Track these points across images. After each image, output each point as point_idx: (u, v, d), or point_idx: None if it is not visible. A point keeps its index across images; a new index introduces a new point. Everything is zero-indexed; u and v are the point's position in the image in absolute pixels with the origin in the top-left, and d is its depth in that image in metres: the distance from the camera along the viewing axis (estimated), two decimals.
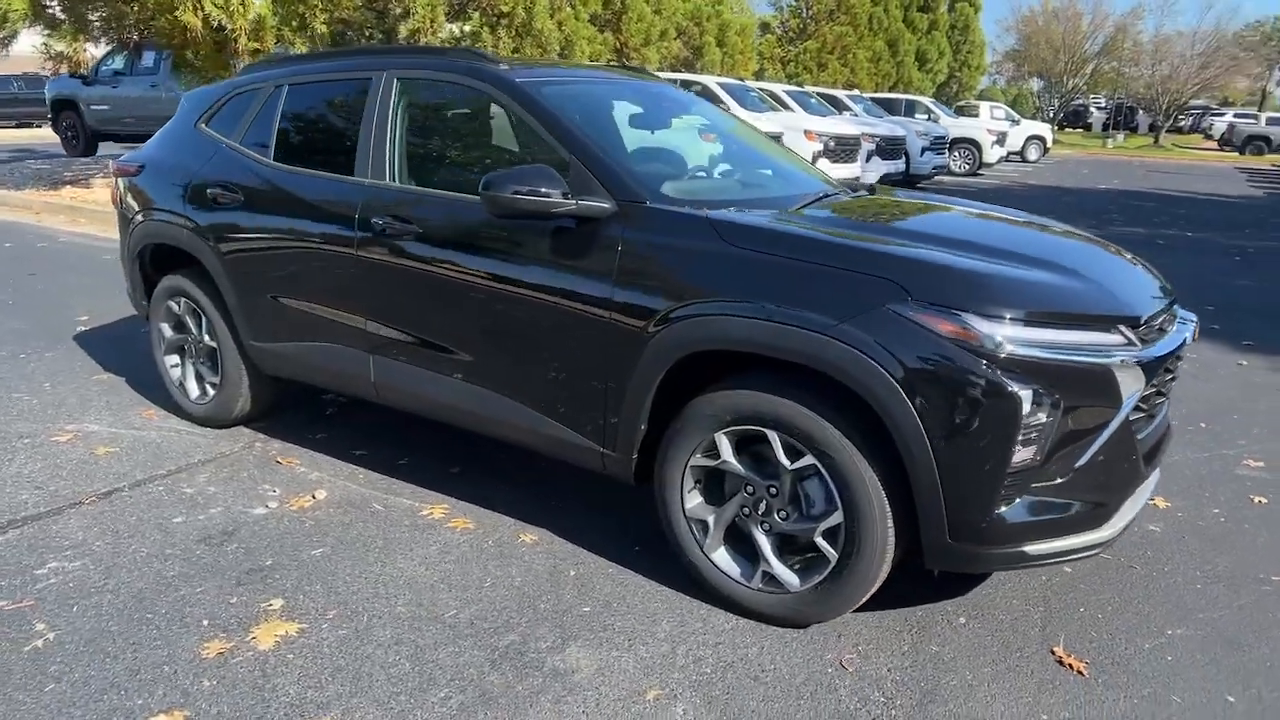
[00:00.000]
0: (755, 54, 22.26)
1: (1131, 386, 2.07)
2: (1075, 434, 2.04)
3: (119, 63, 14.27)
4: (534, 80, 2.85)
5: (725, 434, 2.30)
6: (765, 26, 28.66)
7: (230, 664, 2.17)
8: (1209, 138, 38.63)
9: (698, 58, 18.31)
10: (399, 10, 12.40)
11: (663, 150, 3.18)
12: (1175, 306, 2.45)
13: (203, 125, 3.63)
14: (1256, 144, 34.04)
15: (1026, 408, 1.95)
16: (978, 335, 1.96)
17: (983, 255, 2.23)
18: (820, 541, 2.21)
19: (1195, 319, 2.41)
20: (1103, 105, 48.63)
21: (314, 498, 3.12)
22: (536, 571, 2.64)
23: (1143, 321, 2.15)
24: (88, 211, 9.55)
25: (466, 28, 13.10)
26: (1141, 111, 44.21)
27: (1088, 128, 46.93)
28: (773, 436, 2.21)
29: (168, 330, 3.80)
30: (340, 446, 3.58)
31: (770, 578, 2.32)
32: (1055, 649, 2.26)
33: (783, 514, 2.28)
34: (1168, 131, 40.23)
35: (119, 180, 3.91)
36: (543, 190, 2.40)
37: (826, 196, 2.93)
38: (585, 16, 14.26)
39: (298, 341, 3.29)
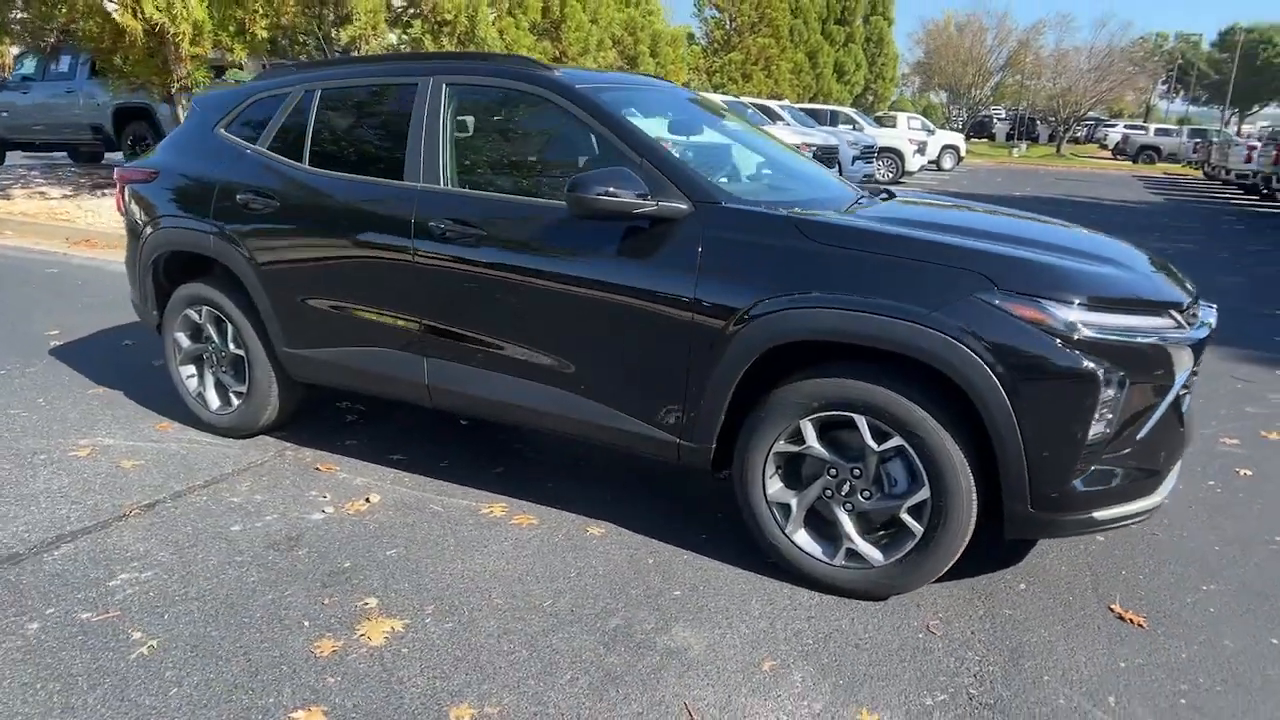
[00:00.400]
0: (685, 65, 22.70)
1: (1183, 365, 2.33)
2: (1138, 408, 2.28)
3: (29, 67, 13.54)
4: (592, 86, 2.96)
5: (810, 420, 2.46)
6: (690, 37, 29.22)
7: (348, 660, 2.20)
8: (1104, 147, 41.32)
9: (633, 68, 18.55)
10: (340, 15, 12.22)
11: (710, 153, 3.33)
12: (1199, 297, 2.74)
13: (222, 130, 3.59)
14: (1148, 153, 36.59)
15: (1102, 386, 2.18)
16: (1058, 320, 2.18)
17: (1046, 250, 2.46)
18: (906, 517, 2.40)
19: (1215, 307, 2.70)
20: (1003, 116, 51.36)
21: (368, 501, 3.13)
22: (616, 561, 2.73)
23: (1185, 307, 2.42)
24: (14, 224, 9.06)
25: (408, 34, 12.98)
26: (1040, 123, 46.95)
27: (992, 138, 49.39)
28: (860, 421, 2.38)
29: (184, 340, 3.72)
30: (375, 452, 3.58)
31: (854, 554, 2.49)
32: (1113, 606, 2.50)
33: (866, 494, 2.45)
34: (1066, 142, 42.82)
35: (126, 188, 3.81)
36: (627, 191, 2.52)
37: (863, 199, 3.13)
38: (525, 25, 14.32)
39: (340, 347, 3.29)
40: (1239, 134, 30.42)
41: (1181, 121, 56.38)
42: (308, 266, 3.28)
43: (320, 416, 3.96)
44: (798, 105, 22.17)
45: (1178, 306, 2.38)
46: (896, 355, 2.32)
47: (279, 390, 3.57)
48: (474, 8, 12.69)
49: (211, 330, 3.63)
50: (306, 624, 2.35)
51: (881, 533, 2.50)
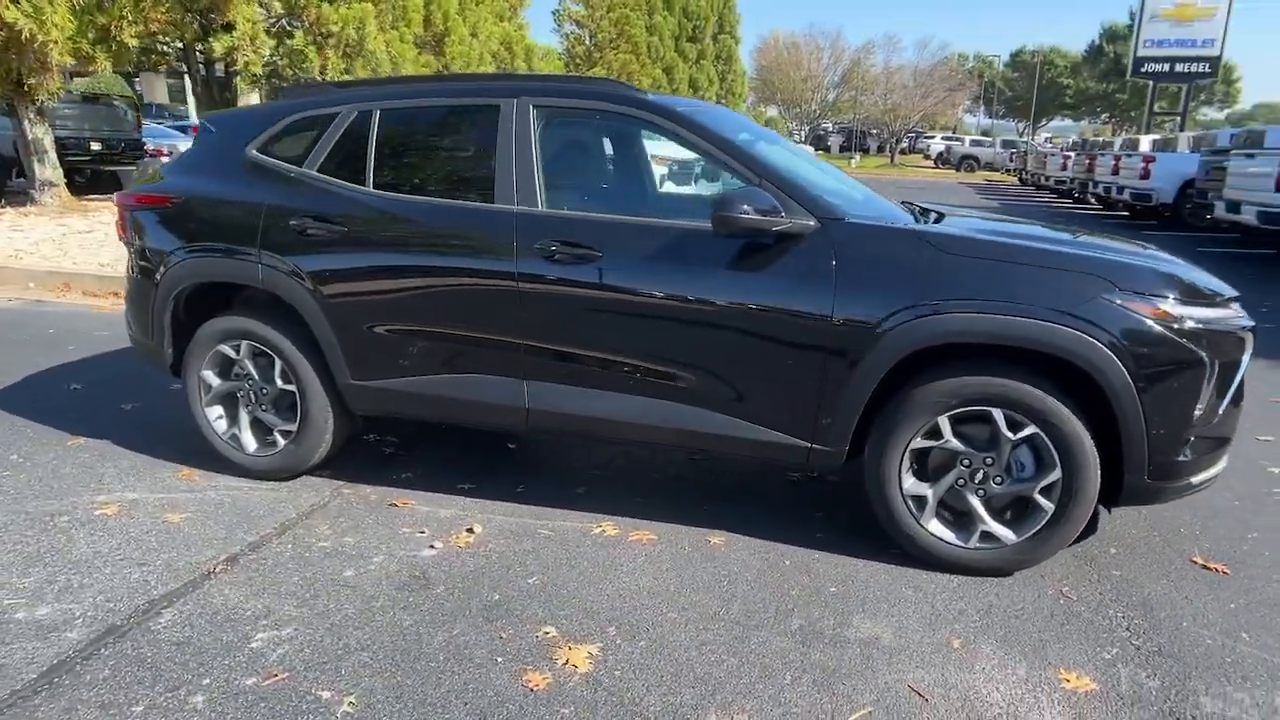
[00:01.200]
0: None
1: (1249, 347, 2.74)
2: (1223, 386, 2.65)
3: None
4: (691, 109, 3.05)
5: (947, 417, 2.67)
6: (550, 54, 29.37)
7: (568, 689, 2.17)
8: (927, 157, 45.21)
9: None
10: (209, 23, 11.47)
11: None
12: None
13: (254, 152, 3.37)
14: (969, 162, 40.35)
15: (1206, 368, 2.53)
16: (1169, 315, 2.52)
17: (1129, 255, 2.81)
18: (1038, 498, 2.66)
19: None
20: (833, 130, 55.08)
21: (471, 533, 3.04)
22: (754, 566, 2.83)
23: (1238, 299, 2.84)
24: None
25: (286, 46, 12.34)
26: (869, 135, 50.72)
27: (828, 149, 52.82)
28: (997, 414, 2.62)
29: (213, 379, 3.45)
30: (439, 483, 3.47)
31: (988, 535, 2.72)
32: (1194, 559, 2.88)
33: (998, 480, 2.69)
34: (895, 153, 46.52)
35: (132, 215, 3.49)
36: (765, 209, 2.64)
37: (924, 213, 3.38)
38: (410, 38, 13.96)
39: (420, 376, 3.18)
40: (1048, 143, 34.14)
41: (985, 134, 62.52)
42: (383, 294, 3.15)
43: (354, 452, 3.77)
44: None
45: (1236, 299, 2.79)
46: (1027, 352, 2.58)
47: (334, 426, 3.39)
48: (362, 20, 12.24)
49: (250, 367, 3.39)
50: (499, 660, 2.30)
51: (1006, 514, 2.75)
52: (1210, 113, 61.83)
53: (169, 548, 2.90)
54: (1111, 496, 2.67)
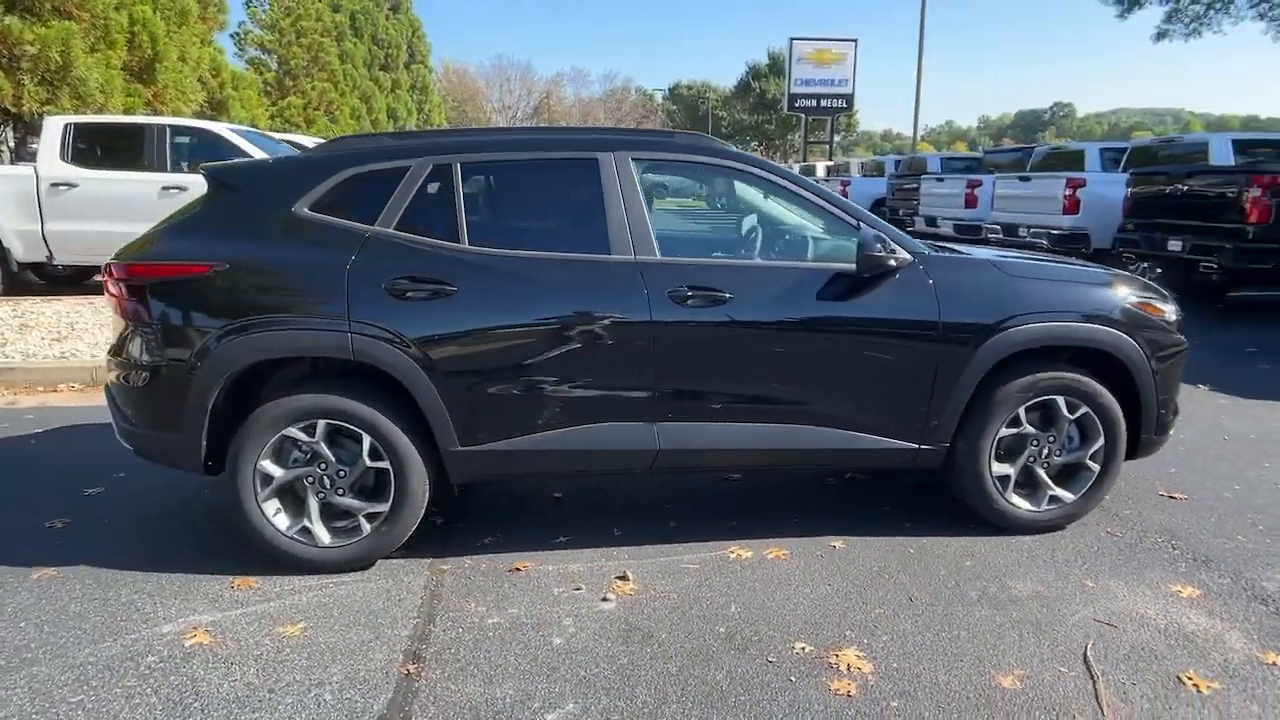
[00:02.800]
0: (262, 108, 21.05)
1: None
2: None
3: None
4: (771, 162, 3.42)
5: (1024, 408, 3.34)
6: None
7: (874, 685, 2.43)
8: None
9: (221, 112, 16.78)
10: None
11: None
12: None
13: (308, 211, 3.09)
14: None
15: (1185, 348, 3.49)
16: (1165, 312, 3.43)
17: (1114, 270, 3.72)
18: (1089, 463, 3.43)
19: None
20: None
21: (626, 579, 3.10)
22: (889, 559, 3.25)
23: None
24: None
25: None
26: None
27: None
28: (1060, 400, 3.34)
29: (274, 469, 3.07)
30: (531, 540, 3.43)
31: (1054, 499, 3.43)
32: (1160, 491, 3.87)
33: (1059, 453, 3.42)
34: None
35: (151, 287, 2.99)
36: (893, 249, 3.13)
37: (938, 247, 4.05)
38: (117, 64, 12.19)
39: (542, 432, 3.15)
40: None
41: None
42: (501, 353, 3.08)
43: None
44: None
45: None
46: (1076, 348, 3.34)
47: (428, 499, 3.20)
48: (65, 40, 10.49)
49: (325, 449, 3.07)
50: (794, 679, 2.48)
51: (1061, 480, 3.49)
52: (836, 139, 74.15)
53: (327, 661, 2.60)
54: (1130, 453, 3.53)
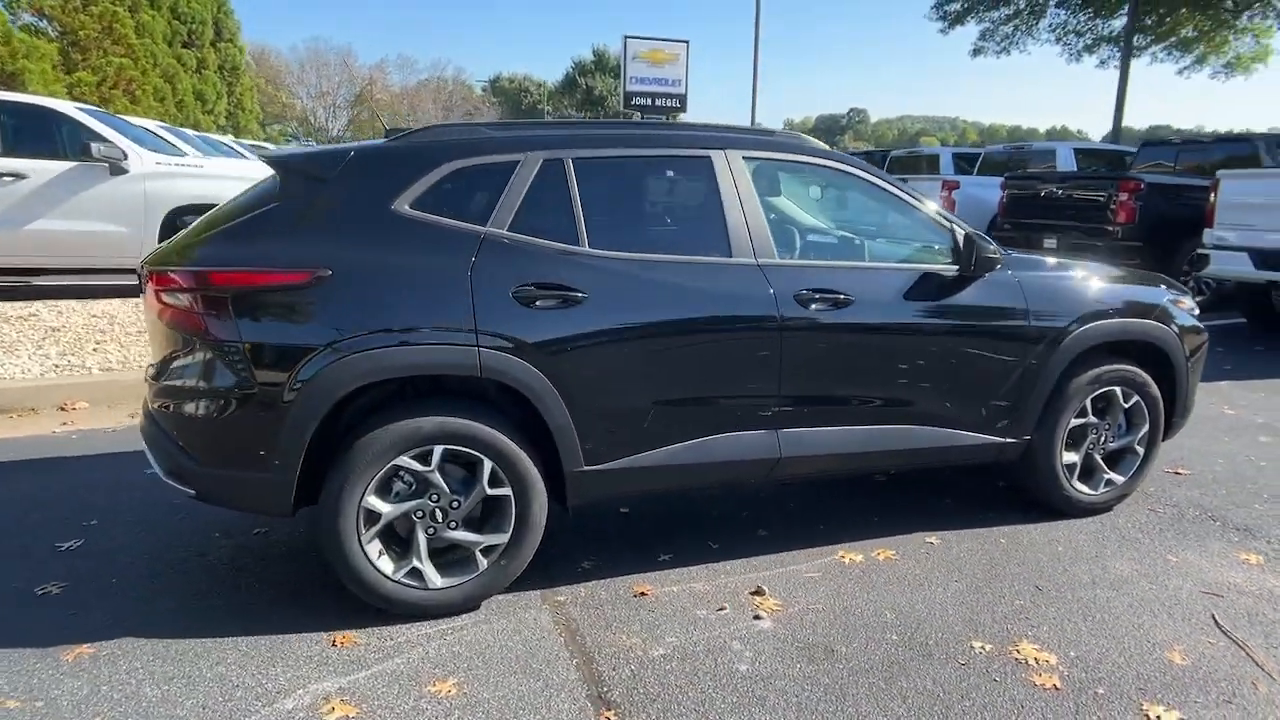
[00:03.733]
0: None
1: None
2: None
3: None
4: (865, 163, 3.43)
5: (1090, 399, 3.58)
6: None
7: (1074, 681, 2.52)
8: None
9: (13, 84, 14.56)
10: None
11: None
12: None
13: (410, 209, 2.74)
14: None
15: (1208, 339, 3.88)
16: (1189, 306, 3.80)
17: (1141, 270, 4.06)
18: (1137, 447, 3.73)
19: None
20: None
21: (763, 593, 3.01)
22: (992, 551, 3.38)
23: None
24: None
25: None
26: None
27: None
28: (1118, 391, 3.61)
29: (381, 505, 2.71)
30: (630, 561, 3.26)
31: (1109, 483, 3.71)
32: (1165, 469, 4.28)
33: (1112, 439, 3.70)
34: None
35: (235, 298, 2.53)
36: (995, 247, 3.24)
37: None
38: None
39: (667, 445, 2.99)
40: None
41: None
42: (630, 363, 2.88)
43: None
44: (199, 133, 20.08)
45: None
46: (1138, 343, 3.62)
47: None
48: None
49: (439, 478, 2.75)
50: (1006, 680, 2.51)
51: (1106, 465, 3.78)
52: None
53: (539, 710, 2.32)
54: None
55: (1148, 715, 2.35)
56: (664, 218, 3.22)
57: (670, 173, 3.16)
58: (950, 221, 3.39)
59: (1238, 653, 2.68)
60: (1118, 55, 21.34)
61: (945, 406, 3.34)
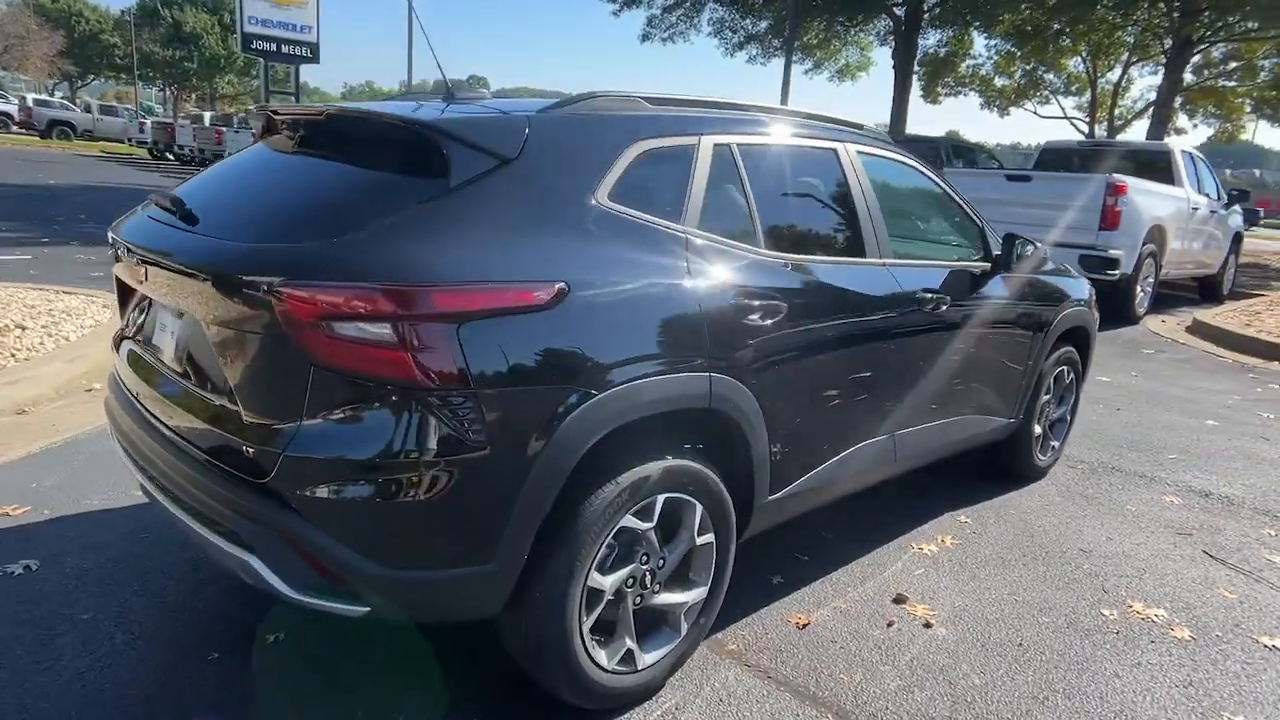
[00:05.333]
0: None
1: None
2: None
3: None
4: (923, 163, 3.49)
5: (1053, 378, 4.12)
6: None
7: (1201, 628, 2.94)
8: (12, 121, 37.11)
9: None
10: None
11: None
12: None
13: (607, 201, 2.20)
14: (62, 129, 35.25)
15: None
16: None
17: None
18: (1068, 416, 4.38)
19: None
20: None
21: (906, 600, 3.01)
22: (1014, 526, 3.76)
23: None
24: None
25: None
26: None
27: None
28: (1066, 369, 4.21)
29: (601, 580, 2.16)
30: (750, 587, 3.04)
31: (1052, 448, 4.32)
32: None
33: (1053, 410, 4.30)
34: None
35: (462, 329, 1.80)
36: (1026, 241, 3.57)
37: None
38: None
39: (823, 464, 2.82)
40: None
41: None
42: (809, 379, 2.65)
43: None
44: None
45: None
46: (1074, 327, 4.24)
47: None
48: None
49: (653, 536, 2.28)
50: (1160, 638, 2.84)
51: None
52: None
53: None
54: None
55: (1263, 644, 2.85)
56: (810, 214, 2.96)
57: (810, 165, 2.91)
58: (981, 220, 3.63)
59: (1240, 575, 3.35)
60: (763, 53, 24.40)
61: (991, 395, 3.62)
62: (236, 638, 2.52)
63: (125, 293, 2.55)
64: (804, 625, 2.81)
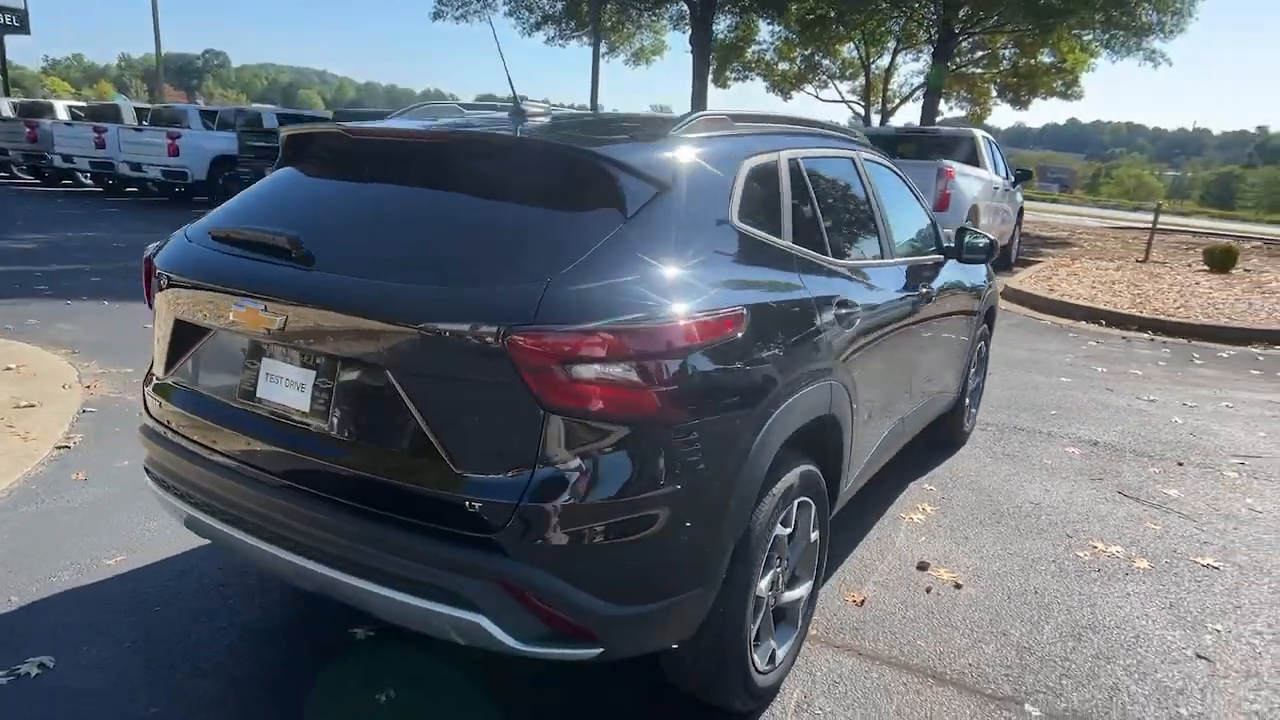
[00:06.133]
0: None
1: None
2: None
3: None
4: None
5: (976, 352, 4.68)
6: None
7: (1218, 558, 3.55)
8: None
9: None
10: None
11: None
12: None
13: (739, 221, 2.31)
14: None
15: None
16: None
17: None
18: (983, 385, 4.99)
19: None
20: None
21: (927, 567, 3.37)
22: (975, 484, 4.26)
23: None
24: None
25: None
26: None
27: None
28: (984, 343, 4.80)
29: (764, 588, 2.31)
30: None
31: (973, 415, 4.91)
32: None
33: (972, 380, 4.89)
34: None
35: (695, 349, 1.86)
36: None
37: None
38: None
39: (873, 448, 3.14)
40: None
41: None
42: (871, 376, 2.92)
43: None
44: None
45: None
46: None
47: None
48: None
49: (786, 538, 2.45)
50: (1179, 561, 3.39)
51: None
52: None
53: None
54: None
55: (1200, 564, 3.51)
56: (850, 221, 3.15)
57: (839, 173, 3.12)
58: (931, 212, 4.06)
59: (1142, 506, 4.06)
60: (559, 35, 24.43)
61: (950, 372, 4.07)
62: (343, 694, 2.38)
63: (182, 334, 2.27)
64: (861, 602, 3.08)
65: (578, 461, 1.78)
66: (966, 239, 3.95)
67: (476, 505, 1.78)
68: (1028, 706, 2.53)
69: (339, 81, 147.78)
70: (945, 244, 3.94)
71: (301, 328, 1.95)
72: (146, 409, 2.41)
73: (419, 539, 1.83)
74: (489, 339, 1.73)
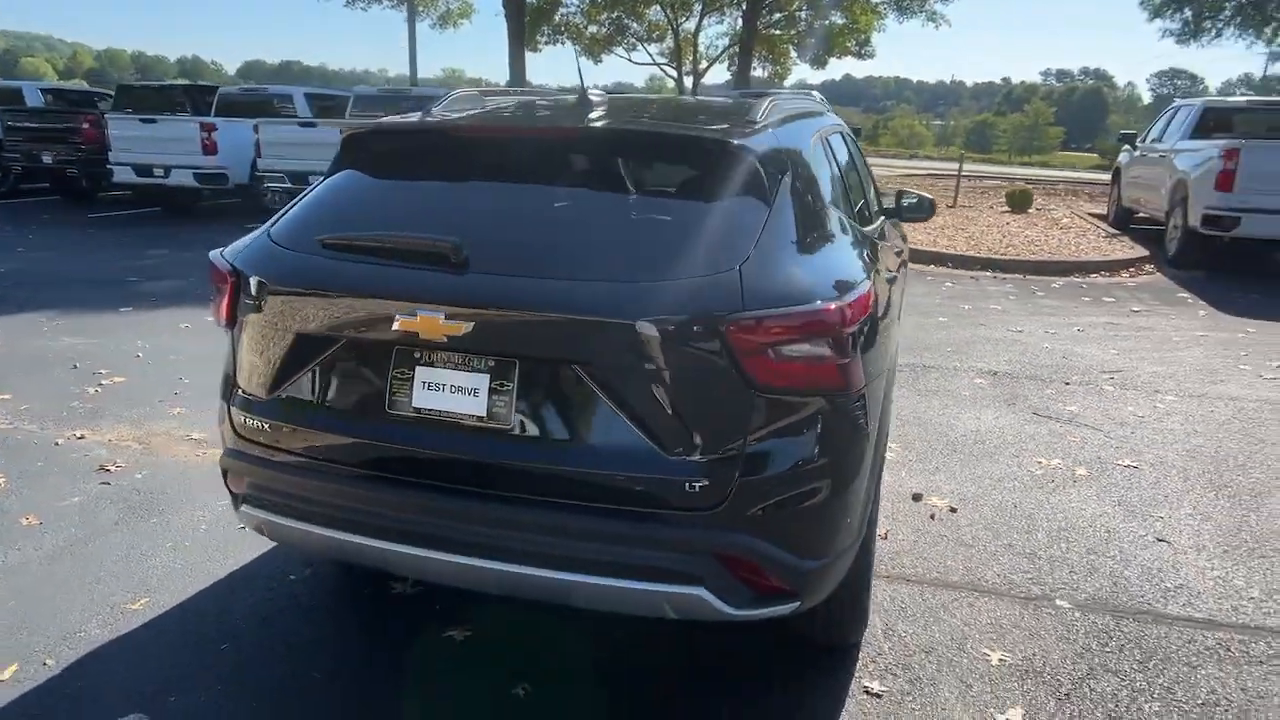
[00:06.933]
0: None
1: None
2: None
3: None
4: None
5: None
6: None
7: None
8: None
9: None
10: None
11: None
12: None
13: (826, 200, 2.54)
14: None
15: None
16: None
17: None
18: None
19: None
20: None
21: (921, 497, 3.79)
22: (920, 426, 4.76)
23: None
24: None
25: None
26: None
27: None
28: None
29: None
30: None
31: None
32: None
33: None
34: None
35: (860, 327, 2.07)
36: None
37: None
38: None
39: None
40: None
41: None
42: (888, 333, 3.21)
43: None
44: None
45: None
46: None
47: None
48: None
49: None
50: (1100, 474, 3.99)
51: None
52: None
53: None
54: None
55: (1124, 465, 4.18)
56: (851, 189, 3.37)
57: (839, 144, 3.36)
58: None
59: (1057, 423, 4.75)
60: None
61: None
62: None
63: (298, 347, 2.15)
64: (885, 536, 3.44)
65: (782, 433, 1.94)
66: (904, 200, 4.36)
67: (696, 486, 1.89)
68: (1059, 601, 2.99)
69: (71, 49, 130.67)
70: (886, 205, 4.34)
71: (469, 332, 1.94)
72: (239, 433, 2.26)
73: (630, 524, 1.92)
74: (703, 329, 1.84)
